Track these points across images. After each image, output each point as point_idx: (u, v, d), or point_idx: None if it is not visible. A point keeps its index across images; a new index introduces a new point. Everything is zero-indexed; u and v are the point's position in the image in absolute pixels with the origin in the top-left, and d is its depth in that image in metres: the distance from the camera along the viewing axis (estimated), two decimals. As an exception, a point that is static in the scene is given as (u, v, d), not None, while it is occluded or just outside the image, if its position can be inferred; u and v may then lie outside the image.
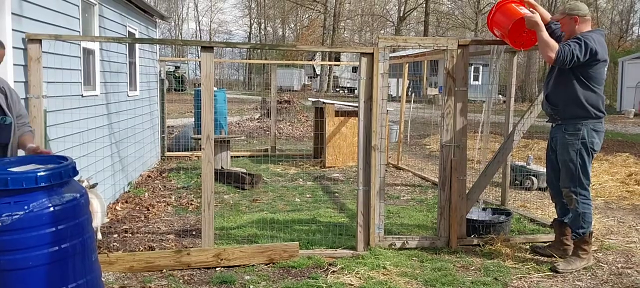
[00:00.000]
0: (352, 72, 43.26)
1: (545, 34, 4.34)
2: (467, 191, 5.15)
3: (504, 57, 6.50)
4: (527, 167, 7.96)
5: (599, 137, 4.44)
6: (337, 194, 7.53)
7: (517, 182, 7.96)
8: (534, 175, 7.84)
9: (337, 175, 8.93)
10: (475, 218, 5.30)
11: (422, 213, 6.40)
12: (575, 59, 4.23)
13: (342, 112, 9.74)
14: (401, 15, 45.39)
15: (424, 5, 42.31)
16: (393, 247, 4.93)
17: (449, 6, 46.70)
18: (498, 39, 5.05)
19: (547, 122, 4.71)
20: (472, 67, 33.15)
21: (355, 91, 39.30)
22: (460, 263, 4.62)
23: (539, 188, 7.79)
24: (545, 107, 4.66)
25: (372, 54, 4.75)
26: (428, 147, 13.19)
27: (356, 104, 5.34)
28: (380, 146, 4.85)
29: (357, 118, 4.89)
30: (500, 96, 30.82)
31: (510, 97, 6.58)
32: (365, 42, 48.40)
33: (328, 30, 42.63)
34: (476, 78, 33.66)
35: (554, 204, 4.88)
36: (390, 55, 5.27)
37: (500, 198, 6.78)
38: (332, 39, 41.61)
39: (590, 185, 4.55)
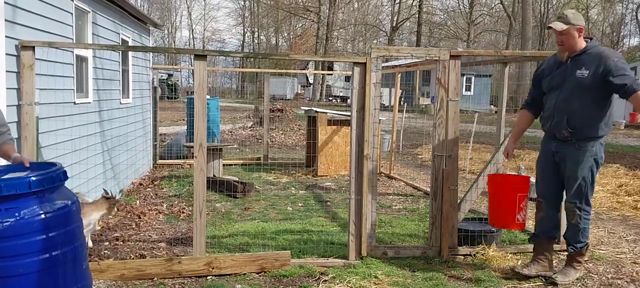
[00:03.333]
0: (345, 81, 43.43)
1: None
2: (458, 201, 5.18)
3: (496, 68, 6.56)
4: (518, 177, 7.98)
5: (603, 149, 4.35)
6: (329, 203, 7.54)
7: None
8: (525, 186, 7.85)
9: (329, 184, 8.94)
10: (466, 228, 5.32)
11: (413, 222, 6.41)
12: None
13: (335, 121, 9.76)
14: (394, 25, 45.65)
15: (417, 15, 42.60)
16: (385, 256, 4.94)
17: (442, 17, 47.06)
18: (490, 52, 5.17)
19: (554, 140, 4.37)
20: (464, 77, 33.38)
21: (348, 100, 39.42)
22: (452, 273, 4.63)
23: (530, 199, 7.80)
24: (558, 128, 4.25)
25: (365, 63, 4.78)
26: (420, 156, 13.23)
27: (348, 113, 5.37)
28: (373, 155, 4.87)
29: (349, 127, 4.91)
30: (492, 106, 31.03)
31: (502, 108, 6.63)
32: (358, 51, 48.61)
33: (321, 40, 42.79)
34: (468, 88, 33.88)
35: (538, 217, 4.61)
36: (383, 64, 5.31)
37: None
38: (325, 48, 41.75)
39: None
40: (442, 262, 4.92)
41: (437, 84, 5.02)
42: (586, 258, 5.03)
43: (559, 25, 4.09)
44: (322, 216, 6.68)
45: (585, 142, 4.21)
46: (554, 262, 4.70)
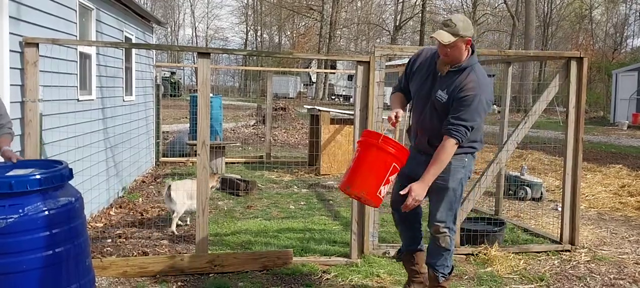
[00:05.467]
0: (348, 80, 43.39)
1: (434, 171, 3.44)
2: (462, 201, 5.16)
3: (499, 68, 6.55)
4: (521, 177, 7.99)
5: (473, 163, 3.80)
6: (331, 202, 7.54)
7: (510, 191, 7.99)
8: (527, 185, 7.86)
9: (332, 182, 8.94)
10: (469, 228, 5.31)
11: (416, 222, 6.40)
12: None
13: (338, 119, 9.75)
14: (397, 24, 45.59)
15: (420, 15, 42.51)
16: (387, 255, 4.94)
17: (445, 16, 46.94)
18: (494, 51, 5.09)
19: (423, 153, 3.68)
20: (468, 77, 33.24)
21: (351, 99, 39.40)
22: (454, 272, 4.62)
23: (533, 199, 7.82)
24: (424, 147, 3.67)
25: (369, 62, 4.77)
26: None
27: (351, 112, 5.37)
28: (376, 154, 4.85)
29: (352, 126, 4.90)
30: (494, 106, 30.98)
31: (505, 107, 6.62)
32: (361, 50, 48.56)
33: (324, 39, 42.76)
34: (471, 88, 33.78)
35: (400, 229, 4.07)
36: (387, 63, 5.30)
37: (494, 208, 6.80)
38: (328, 47, 41.73)
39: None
40: (453, 265, 4.90)
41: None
42: (588, 259, 5.03)
43: (446, 37, 3.31)
44: (325, 215, 6.67)
45: (455, 155, 3.53)
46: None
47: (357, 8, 49.92)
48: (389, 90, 4.15)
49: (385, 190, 3.40)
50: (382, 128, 4.69)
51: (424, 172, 3.43)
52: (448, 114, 3.44)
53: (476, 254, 5.03)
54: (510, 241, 5.59)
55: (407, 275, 4.07)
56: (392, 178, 3.41)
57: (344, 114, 9.93)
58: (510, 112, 6.79)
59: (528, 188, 7.85)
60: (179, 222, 5.93)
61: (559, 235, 5.46)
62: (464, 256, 5.05)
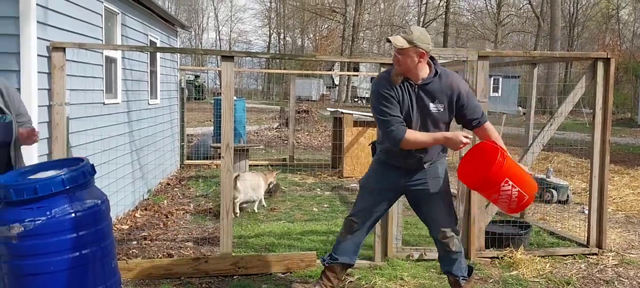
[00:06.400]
0: (371, 82, 43.31)
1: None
2: (486, 203, 5.10)
3: (524, 69, 6.46)
4: (547, 179, 7.86)
5: None
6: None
7: (536, 194, 7.85)
8: (553, 188, 7.74)
9: (355, 185, 8.91)
10: (494, 231, 5.25)
11: (440, 225, 6.34)
12: None
13: (361, 122, 9.72)
14: (421, 25, 45.38)
15: (444, 16, 42.23)
16: (411, 258, 4.90)
17: (469, 17, 46.55)
18: (519, 52, 5.01)
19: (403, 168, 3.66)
20: (492, 78, 32.94)
21: (374, 101, 39.28)
22: (479, 275, 4.56)
23: (559, 201, 7.68)
24: (414, 164, 3.62)
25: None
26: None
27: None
28: (399, 157, 4.82)
29: (374, 128, 4.88)
30: (519, 108, 30.55)
31: (531, 109, 6.52)
32: (384, 52, 48.38)
33: (347, 41, 42.74)
34: (495, 90, 33.42)
35: (342, 237, 3.88)
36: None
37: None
38: (351, 49, 41.69)
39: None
40: (469, 264, 4.84)
41: (464, 84, 4.95)
42: (616, 262, 4.92)
43: (400, 41, 3.32)
44: (348, 217, 6.65)
45: (440, 155, 3.69)
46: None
47: (380, 10, 49.82)
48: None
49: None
50: None
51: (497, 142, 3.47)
52: (445, 121, 3.54)
53: (501, 257, 4.96)
54: (536, 244, 5.50)
55: (327, 278, 3.88)
56: None
57: (367, 116, 9.90)
58: (535, 114, 6.69)
59: (554, 191, 7.72)
60: (244, 205, 6.75)
61: (585, 238, 5.36)
62: (489, 259, 4.98)
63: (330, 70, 45.41)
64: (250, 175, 6.91)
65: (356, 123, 9.68)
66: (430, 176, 3.65)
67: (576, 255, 5.16)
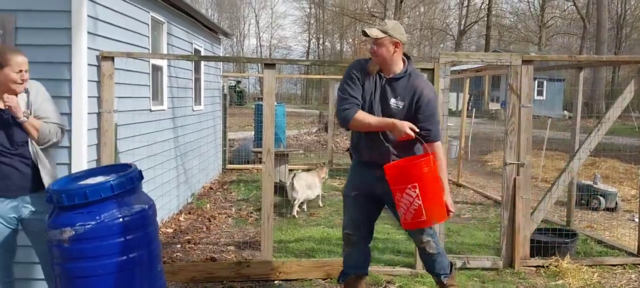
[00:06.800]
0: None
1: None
2: (531, 210, 5.00)
3: (570, 72, 6.30)
4: (594, 186, 7.63)
5: None
6: (395, 210, 7.46)
7: (583, 201, 7.64)
8: (601, 195, 7.50)
9: (395, 191, 8.85)
10: (539, 239, 5.13)
11: (483, 232, 6.24)
12: None
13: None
14: (462, 29, 44.73)
15: (486, 19, 41.52)
16: (453, 266, 4.83)
17: (512, 20, 45.59)
18: (564, 56, 4.88)
19: (376, 167, 3.55)
20: (536, 82, 32.17)
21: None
22: (524, 284, 4.47)
23: (607, 209, 7.44)
24: (384, 157, 3.55)
25: (433, 69, 4.71)
26: (490, 163, 12.86)
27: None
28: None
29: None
30: (565, 112, 29.73)
31: (577, 114, 6.35)
32: (425, 56, 47.89)
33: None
34: (540, 93, 32.60)
35: (347, 251, 3.84)
36: (451, 69, 5.21)
37: (565, 219, 6.53)
38: (391, 53, 41.40)
39: None
40: (513, 273, 4.76)
41: (508, 89, 4.87)
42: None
43: (375, 32, 3.44)
44: (388, 223, 6.61)
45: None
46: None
47: (420, 13, 49.34)
48: (453, 95, 4.12)
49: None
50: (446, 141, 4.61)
51: (443, 183, 3.44)
52: (405, 120, 3.43)
53: (547, 266, 4.85)
54: (583, 253, 5.35)
55: None
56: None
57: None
58: (581, 118, 6.51)
59: (602, 198, 7.49)
60: (298, 209, 7.00)
61: (636, 247, 5.19)
62: (534, 268, 4.87)
63: (369, 74, 45.20)
64: (306, 174, 7.20)
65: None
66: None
67: (626, 265, 4.99)
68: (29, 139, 3.18)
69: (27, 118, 3.16)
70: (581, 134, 6.13)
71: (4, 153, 3.17)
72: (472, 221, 6.88)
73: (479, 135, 16.08)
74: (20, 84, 3.17)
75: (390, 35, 3.43)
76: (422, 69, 4.77)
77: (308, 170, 8.20)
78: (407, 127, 3.38)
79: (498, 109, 27.22)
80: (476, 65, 19.61)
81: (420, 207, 3.29)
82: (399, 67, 3.53)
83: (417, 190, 3.27)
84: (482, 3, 43.56)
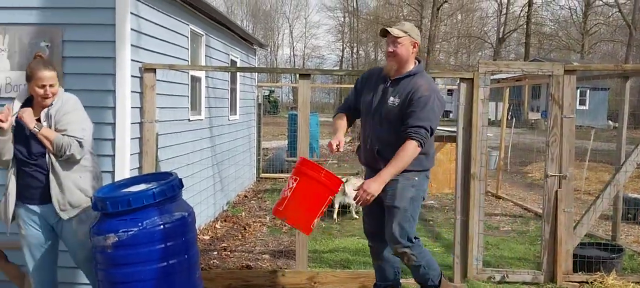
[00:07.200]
0: (448, 94, 42.45)
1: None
2: (574, 224, 4.86)
3: (614, 80, 6.11)
4: (642, 199, 7.37)
5: (427, 183, 3.73)
6: (431, 222, 7.38)
7: (629, 215, 7.38)
8: (649, 209, 7.23)
9: (432, 202, 8.75)
10: (583, 254, 4.97)
11: (523, 245, 6.10)
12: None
13: (438, 136, 9.53)
14: (500, 36, 44.02)
15: (525, 26, 40.76)
16: (492, 280, 4.74)
17: (552, 27, 44.56)
18: (609, 66, 4.73)
19: (373, 172, 3.59)
20: (578, 91, 31.37)
21: (451, 114, 38.39)
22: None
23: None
24: (372, 160, 3.62)
25: (472, 79, 4.65)
26: (530, 175, 12.58)
27: (451, 128, 5.24)
28: (480, 174, 4.71)
29: (452, 143, 4.79)
30: (609, 122, 28.85)
31: (623, 124, 6.15)
32: (462, 64, 47.32)
33: (422, 53, 42.19)
34: (582, 102, 31.76)
35: (376, 264, 3.89)
36: (490, 77, 5.13)
37: (610, 233, 6.32)
38: (427, 61, 41.08)
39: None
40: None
41: (550, 99, 4.77)
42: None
43: (396, 31, 3.46)
44: (425, 235, 6.54)
45: (406, 172, 3.47)
46: None
47: (457, 21, 48.84)
48: (492, 105, 4.05)
49: (317, 221, 3.48)
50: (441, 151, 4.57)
51: (383, 171, 3.36)
52: (401, 119, 3.43)
53: (591, 282, 4.70)
54: (630, 269, 5.16)
55: None
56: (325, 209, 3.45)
57: (444, 130, 9.72)
58: (628, 129, 6.30)
59: (649, 212, 7.22)
60: (355, 216, 7.23)
61: (687, 265, 4.96)
62: (578, 284, 4.72)
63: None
64: (356, 179, 7.23)
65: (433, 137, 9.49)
66: (392, 190, 3.52)
67: (675, 282, 4.79)
68: (47, 151, 3.24)
69: (38, 129, 3.21)
70: (627, 145, 5.94)
71: (25, 163, 3.28)
72: (512, 234, 6.74)
73: (518, 146, 15.76)
74: (44, 98, 3.25)
75: (409, 35, 3.47)
76: (462, 79, 4.71)
77: (356, 174, 8.27)
78: (333, 142, 3.45)
79: (538, 119, 26.65)
80: (516, 74, 19.26)
81: (285, 198, 3.33)
82: (410, 67, 3.55)
83: (294, 184, 3.31)
84: (521, 11, 42.81)
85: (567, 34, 42.82)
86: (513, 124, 15.61)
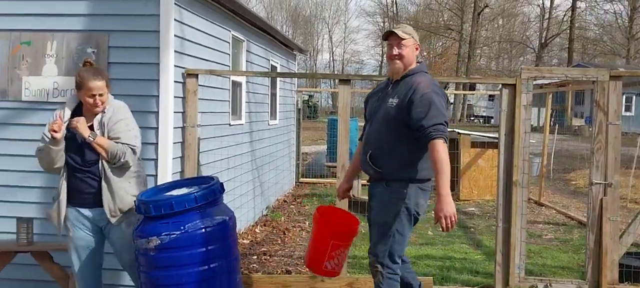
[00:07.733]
0: (489, 100, 41.69)
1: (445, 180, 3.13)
2: (619, 233, 4.71)
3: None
4: (694, 209, 7.06)
5: (424, 198, 3.47)
6: (472, 229, 7.26)
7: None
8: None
9: (473, 209, 8.62)
10: (629, 263, 4.81)
11: (566, 254, 5.95)
12: None
13: (479, 143, 9.41)
14: (543, 41, 43.03)
15: (568, 31, 39.75)
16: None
17: (596, 32, 43.30)
18: None
19: (371, 181, 3.58)
20: (624, 96, 30.34)
21: (492, 120, 37.72)
22: (613, 313, 4.21)
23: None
24: (365, 167, 3.53)
25: (515, 85, 4.58)
26: (573, 182, 12.24)
27: (493, 134, 5.16)
28: (522, 181, 4.62)
29: (494, 150, 4.72)
30: (658, 128, 27.74)
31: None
32: (503, 69, 46.48)
33: (463, 58, 41.61)
34: (628, 108, 30.69)
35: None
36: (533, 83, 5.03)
37: (660, 244, 6.09)
38: (467, 66, 40.52)
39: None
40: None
41: (594, 106, 4.64)
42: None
43: (401, 33, 3.40)
44: (465, 243, 6.45)
45: (395, 182, 3.33)
46: None
47: (498, 26, 47.99)
48: (535, 110, 3.97)
49: (331, 264, 3.52)
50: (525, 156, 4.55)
51: (438, 189, 3.12)
52: (397, 120, 3.30)
53: (639, 294, 4.54)
54: (680, 282, 4.96)
55: None
56: (337, 252, 3.50)
57: (485, 136, 9.56)
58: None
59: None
60: None
61: None
62: (624, 295, 4.58)
63: (445, 88, 44.45)
64: None
65: (474, 144, 9.37)
66: (377, 204, 3.48)
67: None
68: (100, 158, 3.32)
69: (93, 138, 3.29)
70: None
71: (78, 170, 3.36)
72: (555, 242, 6.57)
73: (561, 152, 15.36)
74: (94, 107, 3.34)
75: (413, 38, 3.47)
76: (504, 85, 4.65)
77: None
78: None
79: (582, 125, 25.91)
80: (559, 80, 18.79)
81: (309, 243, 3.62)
82: (413, 66, 3.50)
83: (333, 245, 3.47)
84: (564, 15, 41.79)
85: (612, 39, 41.50)
86: (556, 130, 15.23)
